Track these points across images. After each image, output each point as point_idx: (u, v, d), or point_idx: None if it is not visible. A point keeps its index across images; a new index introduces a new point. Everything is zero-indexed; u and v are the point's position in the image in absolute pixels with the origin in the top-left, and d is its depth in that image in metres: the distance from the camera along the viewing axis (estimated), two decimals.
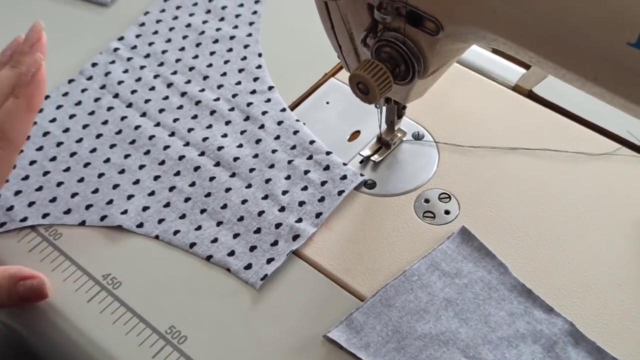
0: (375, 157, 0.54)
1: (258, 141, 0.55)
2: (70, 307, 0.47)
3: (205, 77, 0.60)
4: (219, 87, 0.59)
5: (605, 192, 0.51)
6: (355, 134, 0.56)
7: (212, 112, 0.57)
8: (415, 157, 0.54)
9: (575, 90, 0.56)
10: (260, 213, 0.51)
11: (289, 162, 0.53)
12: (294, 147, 0.54)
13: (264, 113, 0.56)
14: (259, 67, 0.60)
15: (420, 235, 0.50)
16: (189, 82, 0.59)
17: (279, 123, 0.56)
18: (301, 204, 0.51)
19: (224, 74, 0.60)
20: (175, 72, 0.60)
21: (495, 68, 0.59)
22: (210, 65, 0.61)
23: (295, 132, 0.55)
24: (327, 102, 0.58)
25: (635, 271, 0.47)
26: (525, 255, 0.48)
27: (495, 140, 0.54)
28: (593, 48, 0.33)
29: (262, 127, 0.56)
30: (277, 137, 0.55)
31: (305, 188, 0.52)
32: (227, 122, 0.56)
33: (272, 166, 0.53)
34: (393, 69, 0.40)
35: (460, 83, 0.58)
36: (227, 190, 0.52)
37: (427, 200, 0.51)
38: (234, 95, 0.58)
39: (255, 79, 0.59)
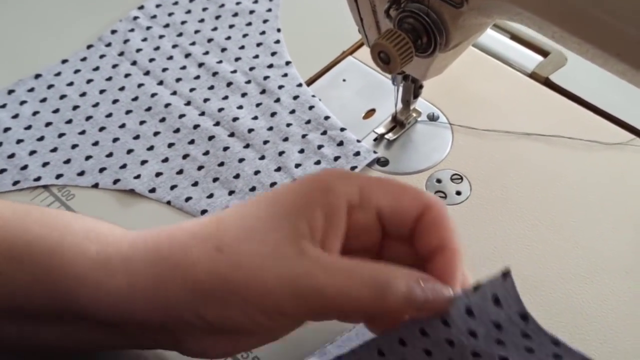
0: (390, 136, 0.54)
1: (273, 114, 0.55)
2: None
3: (224, 50, 0.60)
4: (237, 59, 0.59)
5: (617, 181, 0.51)
6: (370, 112, 0.56)
7: (229, 84, 0.57)
8: (429, 138, 0.54)
9: (592, 79, 0.57)
10: (272, 184, 0.51)
11: (303, 136, 0.53)
12: (308, 122, 0.54)
13: (280, 87, 0.57)
14: (277, 42, 0.60)
15: None
16: (206, 53, 0.60)
17: (295, 97, 0.56)
18: None
19: (242, 47, 0.60)
20: (193, 43, 0.60)
21: (513, 54, 0.59)
22: (228, 38, 0.61)
23: (311, 107, 0.55)
24: (344, 80, 0.58)
25: None
26: (534, 238, 0.48)
27: (509, 125, 0.54)
28: (617, 23, 0.33)
29: (277, 100, 0.56)
30: (292, 112, 0.55)
31: (318, 162, 0.52)
32: (243, 94, 0.57)
33: (286, 139, 0.53)
34: (415, 40, 0.40)
35: (477, 68, 0.58)
36: (241, 160, 0.52)
37: (439, 181, 0.52)
38: (251, 69, 0.58)
39: (273, 54, 0.59)
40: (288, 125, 0.54)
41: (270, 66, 0.58)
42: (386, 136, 0.54)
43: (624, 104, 0.55)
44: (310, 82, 0.58)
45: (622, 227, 0.49)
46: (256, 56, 0.59)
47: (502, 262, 0.47)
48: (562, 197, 0.50)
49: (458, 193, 0.51)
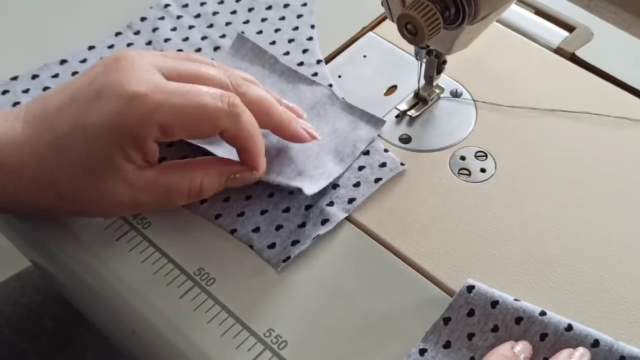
0: (412, 112, 0.53)
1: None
2: (100, 244, 0.47)
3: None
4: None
5: None
6: (391, 89, 0.55)
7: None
8: (453, 115, 0.53)
9: (619, 54, 0.55)
10: (291, 192, 0.49)
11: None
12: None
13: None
14: (310, 39, 0.58)
15: (455, 191, 0.49)
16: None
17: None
18: (335, 186, 0.49)
19: (273, 43, 0.58)
20: (223, 36, 0.58)
21: (538, 30, 0.58)
22: (260, 32, 0.59)
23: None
24: (364, 56, 0.57)
25: None
26: (561, 217, 0.47)
27: (534, 102, 0.53)
28: None
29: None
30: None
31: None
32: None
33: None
34: (443, 11, 0.39)
35: (502, 44, 0.57)
36: None
37: (462, 158, 0.50)
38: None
39: (305, 51, 0.57)
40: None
41: (301, 64, 0.56)
42: (408, 113, 0.53)
43: None
44: (330, 59, 0.57)
45: None
46: (287, 53, 0.57)
47: (528, 240, 0.46)
48: (589, 175, 0.49)
49: (483, 170, 0.50)
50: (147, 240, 0.47)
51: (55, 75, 0.56)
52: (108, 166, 0.43)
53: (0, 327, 0.64)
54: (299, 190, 0.47)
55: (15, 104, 0.54)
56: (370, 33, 0.58)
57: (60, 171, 0.43)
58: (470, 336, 0.42)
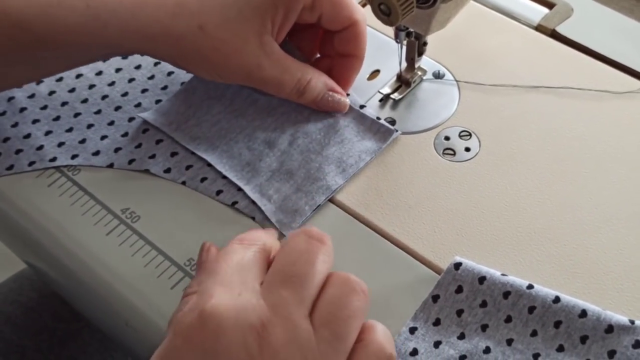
0: (395, 95, 0.53)
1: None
2: (90, 239, 0.48)
3: None
4: None
5: (628, 130, 0.50)
6: (374, 73, 0.55)
7: None
8: (436, 96, 0.53)
9: (599, 29, 0.56)
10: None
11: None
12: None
13: None
14: None
15: (440, 171, 0.49)
16: None
17: None
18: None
19: None
20: None
21: (518, 8, 0.58)
22: None
23: None
24: None
25: None
26: (546, 192, 0.48)
27: (517, 79, 0.53)
28: None
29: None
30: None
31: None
32: None
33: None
34: None
35: (482, 23, 0.57)
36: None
37: (447, 138, 0.51)
38: None
39: None
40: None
41: None
42: (392, 96, 0.53)
43: (632, 52, 0.54)
44: None
45: (633, 175, 0.48)
46: None
47: (514, 216, 0.46)
48: (572, 149, 0.50)
49: (467, 149, 0.50)
50: (136, 234, 0.47)
51: None
52: (258, 17, 0.45)
53: (0, 325, 0.65)
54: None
55: None
56: None
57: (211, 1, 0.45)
58: (460, 312, 0.42)
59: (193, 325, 0.34)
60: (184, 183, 0.50)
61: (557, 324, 0.41)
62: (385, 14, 0.39)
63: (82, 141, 0.52)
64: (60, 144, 0.52)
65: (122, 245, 0.47)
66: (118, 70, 0.57)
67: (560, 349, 0.40)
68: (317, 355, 0.34)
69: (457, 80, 0.54)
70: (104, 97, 0.55)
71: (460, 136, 0.51)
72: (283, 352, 0.33)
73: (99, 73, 0.56)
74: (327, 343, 0.34)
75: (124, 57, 0.57)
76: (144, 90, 0.55)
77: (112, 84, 0.56)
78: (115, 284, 0.46)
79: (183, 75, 0.56)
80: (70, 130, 0.53)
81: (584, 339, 0.40)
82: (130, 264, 0.46)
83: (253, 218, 0.47)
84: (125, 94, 0.55)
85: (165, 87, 0.55)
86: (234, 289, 0.35)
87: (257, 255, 0.38)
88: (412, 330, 0.42)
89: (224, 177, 0.49)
